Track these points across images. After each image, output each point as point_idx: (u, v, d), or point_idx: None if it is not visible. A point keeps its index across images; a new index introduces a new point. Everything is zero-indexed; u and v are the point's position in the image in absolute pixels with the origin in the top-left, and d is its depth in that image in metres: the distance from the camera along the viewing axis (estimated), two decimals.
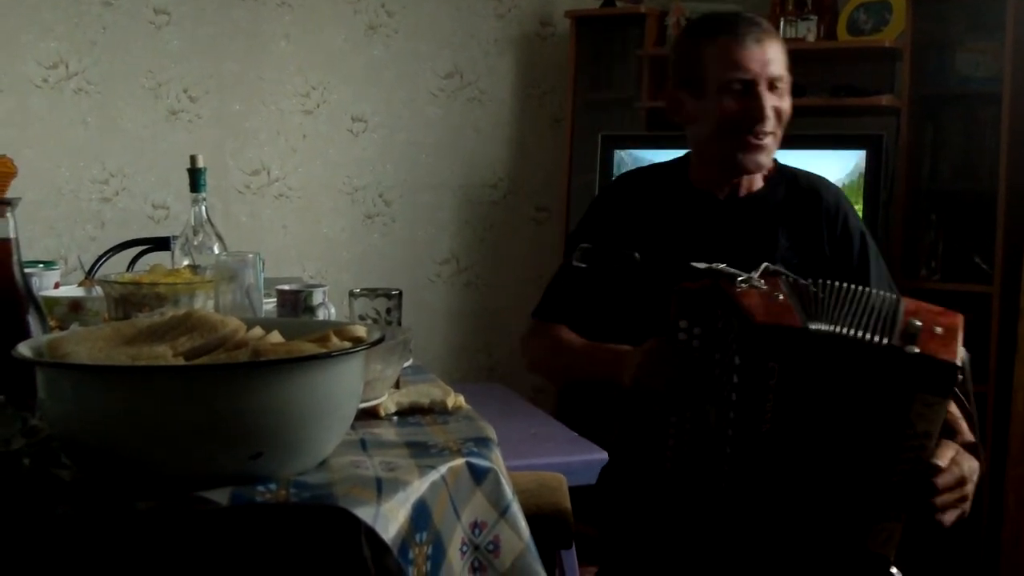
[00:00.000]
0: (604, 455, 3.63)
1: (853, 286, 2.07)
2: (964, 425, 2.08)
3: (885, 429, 1.93)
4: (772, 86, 2.39)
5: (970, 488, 2.00)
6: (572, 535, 2.89)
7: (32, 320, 1.81)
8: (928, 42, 4.43)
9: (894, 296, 2.07)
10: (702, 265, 2.11)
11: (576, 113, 5.24)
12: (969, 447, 2.04)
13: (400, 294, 2.40)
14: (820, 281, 2.08)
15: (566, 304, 2.58)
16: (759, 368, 1.96)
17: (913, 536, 2.02)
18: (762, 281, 2.05)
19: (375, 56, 5.31)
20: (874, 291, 2.07)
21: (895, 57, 4.50)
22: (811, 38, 4.57)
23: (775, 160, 2.56)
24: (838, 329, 1.95)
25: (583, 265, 2.34)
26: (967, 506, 2.01)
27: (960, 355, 1.93)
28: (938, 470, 1.93)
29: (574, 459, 3.67)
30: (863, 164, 4.26)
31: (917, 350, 1.90)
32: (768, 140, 2.41)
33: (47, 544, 1.43)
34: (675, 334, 2.06)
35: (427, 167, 5.41)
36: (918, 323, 1.93)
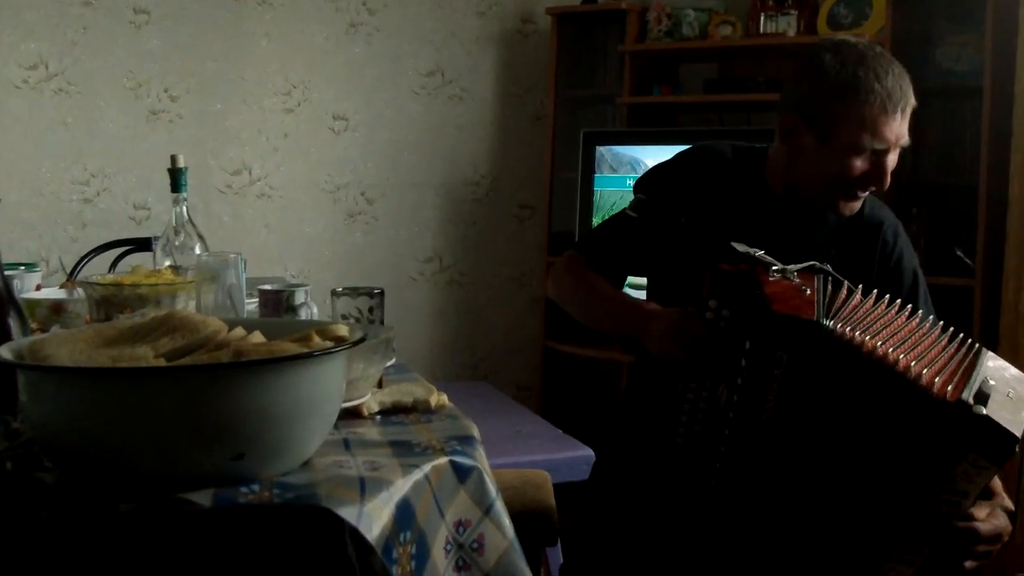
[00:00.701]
0: (589, 452, 3.64)
1: (913, 310, 2.08)
2: (1000, 487, 2.07)
3: (922, 473, 1.90)
4: (896, 148, 2.33)
5: (999, 546, 2.00)
6: (557, 532, 2.88)
7: (13, 322, 1.80)
8: (908, 36, 4.43)
9: (976, 345, 2.04)
10: (741, 248, 2.10)
11: (558, 110, 5.25)
12: (1008, 512, 2.04)
13: (382, 293, 2.39)
14: (866, 292, 2.06)
15: (609, 249, 2.54)
16: (767, 355, 1.95)
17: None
18: (796, 275, 2.04)
19: (356, 54, 5.31)
20: (941, 326, 2.06)
21: None
22: (791, 33, 4.58)
23: None
24: (855, 335, 1.93)
25: (635, 215, 2.32)
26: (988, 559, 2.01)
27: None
28: (978, 519, 1.93)
29: (558, 456, 3.67)
30: None
31: (984, 411, 1.85)
32: (870, 191, 2.38)
33: (31, 548, 1.42)
34: (703, 311, 2.04)
35: (409, 165, 5.41)
36: (992, 382, 1.91)
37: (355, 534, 1.45)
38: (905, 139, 2.31)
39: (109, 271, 3.72)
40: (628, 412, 2.57)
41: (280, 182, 5.25)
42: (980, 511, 1.95)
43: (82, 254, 4.10)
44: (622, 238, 2.52)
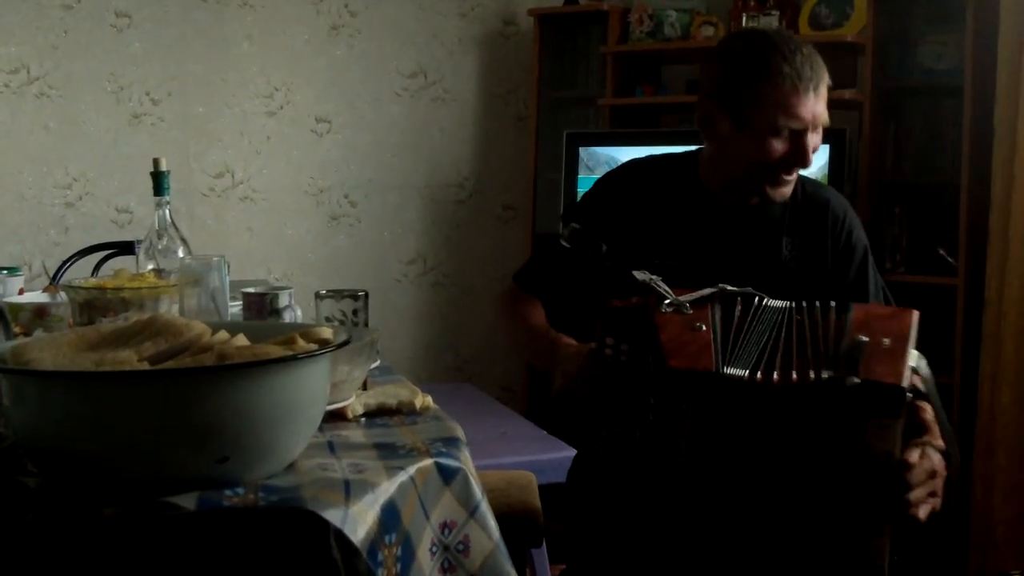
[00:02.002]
0: (573, 453, 3.64)
1: (767, 302, 2.07)
2: (936, 429, 2.08)
3: (844, 456, 1.92)
4: (814, 128, 2.35)
5: (940, 482, 2.00)
6: (542, 533, 2.88)
7: None
8: (889, 36, 4.45)
9: (835, 305, 2.04)
10: (641, 276, 2.11)
11: (541, 111, 5.25)
12: (940, 452, 2.04)
13: (366, 295, 2.39)
14: (758, 300, 2.07)
15: (544, 278, 2.58)
16: (673, 409, 1.97)
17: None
18: (689, 307, 2.04)
19: (338, 56, 5.30)
20: (776, 305, 2.06)
21: (857, 51, 4.52)
22: None
23: None
24: (745, 372, 1.95)
25: (567, 245, 2.33)
26: (939, 501, 2.01)
27: (910, 365, 1.93)
28: (909, 467, 1.93)
29: (543, 457, 3.67)
30: (826, 158, 4.27)
31: (858, 380, 1.89)
32: (795, 173, 2.40)
33: (14, 552, 1.42)
34: (602, 347, 2.05)
35: (392, 167, 5.40)
36: (864, 339, 1.92)
37: (340, 536, 1.45)
38: (824, 118, 2.33)
39: (92, 275, 3.72)
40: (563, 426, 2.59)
41: (263, 185, 5.24)
42: (911, 453, 1.95)
43: (65, 258, 4.09)
44: (554, 267, 2.56)
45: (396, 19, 5.35)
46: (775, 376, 1.94)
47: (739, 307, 2.06)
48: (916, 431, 2.01)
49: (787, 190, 2.41)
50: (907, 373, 1.92)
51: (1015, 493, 4.01)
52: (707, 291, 2.08)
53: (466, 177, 5.50)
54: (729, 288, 2.09)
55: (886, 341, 1.94)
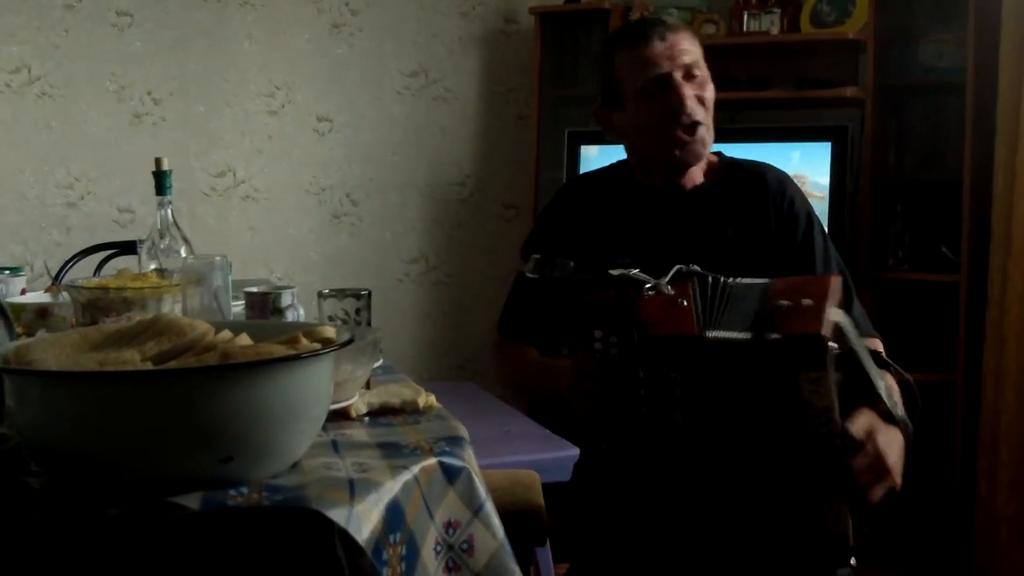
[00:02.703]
0: (577, 452, 3.64)
1: (737, 280, 2.11)
2: (882, 402, 2.08)
3: (786, 414, 1.96)
4: (688, 76, 2.41)
5: (892, 458, 2.01)
6: (546, 532, 2.88)
7: None
8: (891, 33, 4.44)
9: (762, 282, 2.09)
10: (616, 272, 2.13)
11: (542, 110, 5.24)
12: (887, 417, 2.05)
13: (369, 294, 2.39)
14: (724, 279, 2.10)
15: (524, 317, 2.62)
16: (662, 379, 2.02)
17: (884, 524, 2.04)
18: (669, 287, 2.07)
19: (339, 55, 5.30)
20: (745, 282, 2.10)
21: (859, 49, 4.52)
22: (775, 31, 4.58)
23: (720, 153, 2.60)
24: (728, 333, 2.00)
25: (535, 276, 2.35)
26: (895, 478, 2.02)
27: (830, 320, 1.97)
28: (856, 448, 1.96)
29: (547, 456, 3.67)
30: (829, 156, 4.27)
31: (777, 335, 1.95)
32: (700, 131, 2.43)
33: (19, 553, 1.42)
34: (592, 343, 2.08)
35: (394, 166, 5.40)
36: (784, 303, 1.98)
37: (345, 536, 1.45)
38: (685, 60, 2.40)
39: (94, 275, 3.72)
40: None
41: (264, 184, 5.24)
42: (859, 427, 1.98)
43: (67, 258, 4.09)
44: (529, 302, 2.60)
45: (397, 18, 5.35)
46: (744, 338, 1.99)
47: (717, 282, 2.10)
48: (868, 400, 2.04)
49: (698, 148, 2.45)
50: (826, 325, 1.95)
51: (1019, 490, 4.01)
52: (673, 271, 2.12)
53: (467, 176, 5.50)
54: (691, 268, 2.14)
55: (806, 301, 1.98)
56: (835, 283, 2.06)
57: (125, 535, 1.42)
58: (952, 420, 4.18)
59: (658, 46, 2.38)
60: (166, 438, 1.45)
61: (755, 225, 2.49)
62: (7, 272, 2.87)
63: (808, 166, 4.25)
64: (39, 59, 4.86)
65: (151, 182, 2.61)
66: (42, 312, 2.46)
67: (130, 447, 1.46)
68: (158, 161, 2.60)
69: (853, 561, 2.16)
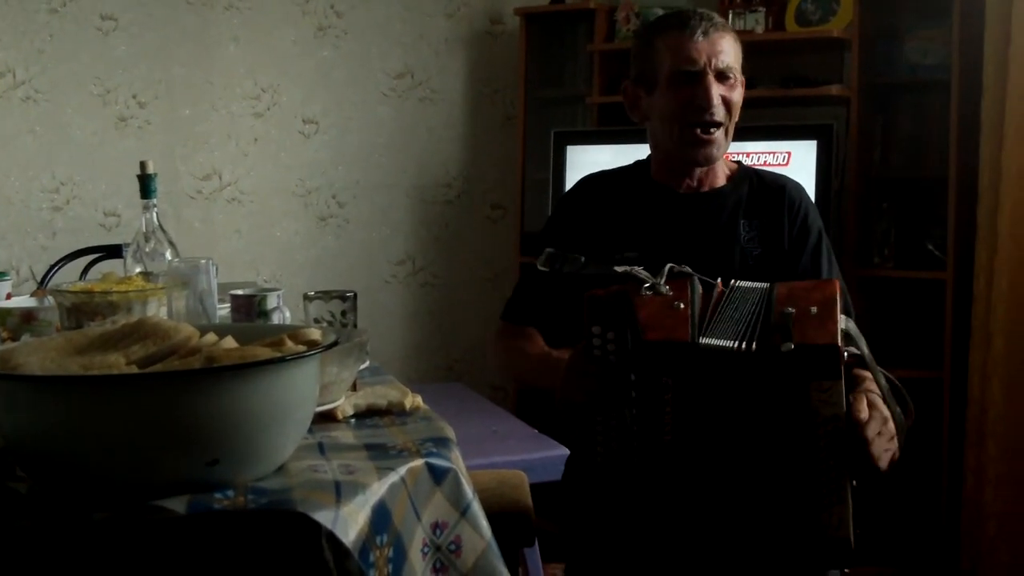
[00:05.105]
0: (564, 451, 3.63)
1: (738, 284, 2.12)
2: (873, 385, 2.11)
3: (795, 424, 1.97)
4: (721, 77, 2.45)
5: (891, 426, 2.04)
6: (534, 532, 2.88)
7: None
8: (876, 31, 4.45)
9: (763, 287, 2.10)
10: (621, 268, 2.15)
11: (528, 110, 5.24)
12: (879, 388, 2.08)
13: (355, 296, 2.39)
14: (732, 282, 2.12)
15: (532, 307, 2.61)
16: (654, 383, 2.02)
17: (871, 519, 2.05)
18: (667, 287, 2.08)
19: (325, 57, 5.30)
20: (746, 285, 2.11)
21: (843, 47, 4.53)
22: (759, 30, 4.59)
23: (739, 162, 2.62)
24: (728, 341, 1.99)
25: (545, 269, 2.35)
26: (896, 448, 2.05)
27: (840, 327, 1.98)
28: (862, 424, 1.97)
29: (535, 456, 3.67)
30: (814, 154, 4.28)
31: (792, 345, 1.94)
32: (717, 134, 2.46)
33: (6, 558, 1.41)
34: (590, 339, 2.09)
35: (380, 168, 5.40)
36: (790, 310, 1.97)
37: (331, 538, 1.45)
38: (722, 63, 2.44)
39: (80, 279, 3.71)
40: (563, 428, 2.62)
41: (250, 187, 5.24)
42: (861, 408, 1.99)
43: (52, 262, 4.08)
44: (540, 293, 2.59)
45: (382, 20, 5.35)
46: (743, 346, 1.98)
47: (718, 286, 2.11)
48: (849, 386, 2.05)
49: (712, 151, 2.48)
50: (838, 334, 1.97)
51: (1006, 485, 4.02)
52: (662, 275, 2.12)
53: (454, 177, 5.50)
54: (683, 268, 2.15)
55: (813, 309, 1.99)
56: (838, 288, 2.07)
57: (111, 539, 1.42)
58: (939, 416, 4.18)
59: (700, 40, 2.42)
60: (151, 442, 1.45)
61: (769, 234, 2.52)
62: None
63: (794, 164, 4.25)
64: (24, 63, 4.85)
65: (136, 185, 2.60)
66: (27, 316, 2.45)
67: (115, 451, 1.45)
68: (143, 165, 2.59)
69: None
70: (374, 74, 5.37)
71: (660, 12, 4.80)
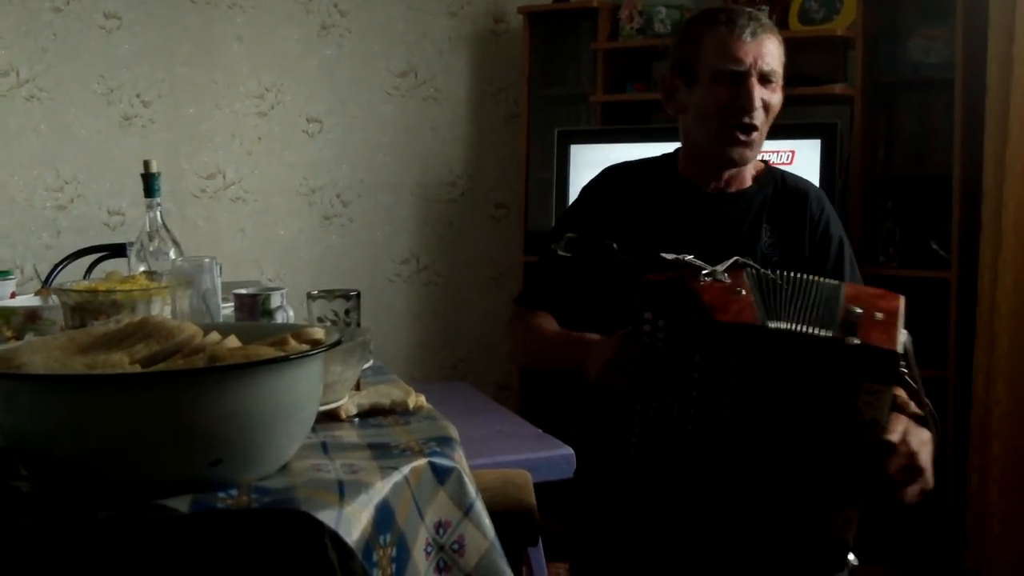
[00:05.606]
0: (569, 451, 3.64)
1: (804, 276, 2.10)
2: (912, 404, 2.10)
3: (834, 418, 1.96)
4: (764, 79, 2.43)
5: (925, 459, 2.02)
6: (538, 532, 2.88)
7: None
8: (879, 30, 4.45)
9: (835, 283, 2.10)
10: (670, 256, 2.12)
11: (532, 109, 5.24)
12: (919, 420, 2.06)
13: (358, 295, 2.39)
14: (784, 273, 2.10)
15: (548, 292, 2.58)
16: (719, 365, 1.99)
17: (877, 519, 2.05)
18: (726, 275, 2.06)
19: (329, 56, 5.30)
20: (819, 280, 2.09)
21: (847, 46, 4.52)
22: None
23: (765, 161, 2.60)
24: (793, 325, 1.98)
25: (567, 254, 2.34)
26: (928, 479, 2.03)
27: (901, 340, 1.97)
28: (891, 450, 1.96)
29: (539, 455, 3.67)
30: (818, 153, 4.27)
31: (857, 341, 1.94)
32: (754, 135, 2.44)
33: (9, 557, 1.41)
34: (640, 326, 2.06)
35: (384, 166, 5.40)
36: (858, 310, 1.97)
37: (335, 537, 1.45)
38: (767, 65, 2.43)
39: (84, 278, 3.71)
40: (595, 422, 2.58)
41: (254, 185, 5.24)
42: (895, 430, 1.99)
43: (56, 261, 4.09)
44: (558, 278, 2.56)
45: (386, 18, 5.35)
46: (812, 330, 1.97)
47: (772, 274, 2.10)
48: (893, 408, 2.04)
49: (747, 152, 2.47)
50: (902, 340, 1.97)
51: (1010, 485, 4.02)
52: (730, 262, 2.11)
53: (458, 176, 5.50)
54: (746, 261, 2.14)
55: (879, 315, 1.99)
56: (903, 302, 2.06)
57: (114, 538, 1.42)
58: (943, 415, 4.18)
59: (748, 41, 2.40)
60: (155, 441, 1.45)
61: (790, 239, 2.51)
62: None
63: (798, 163, 4.25)
64: (27, 62, 4.85)
65: (140, 184, 2.60)
66: (32, 316, 2.45)
67: (119, 450, 1.45)
68: (146, 164, 2.59)
69: (853, 558, 2.15)
70: (378, 73, 5.37)
71: (663, 11, 4.83)
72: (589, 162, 4.67)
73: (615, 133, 4.86)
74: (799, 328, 1.98)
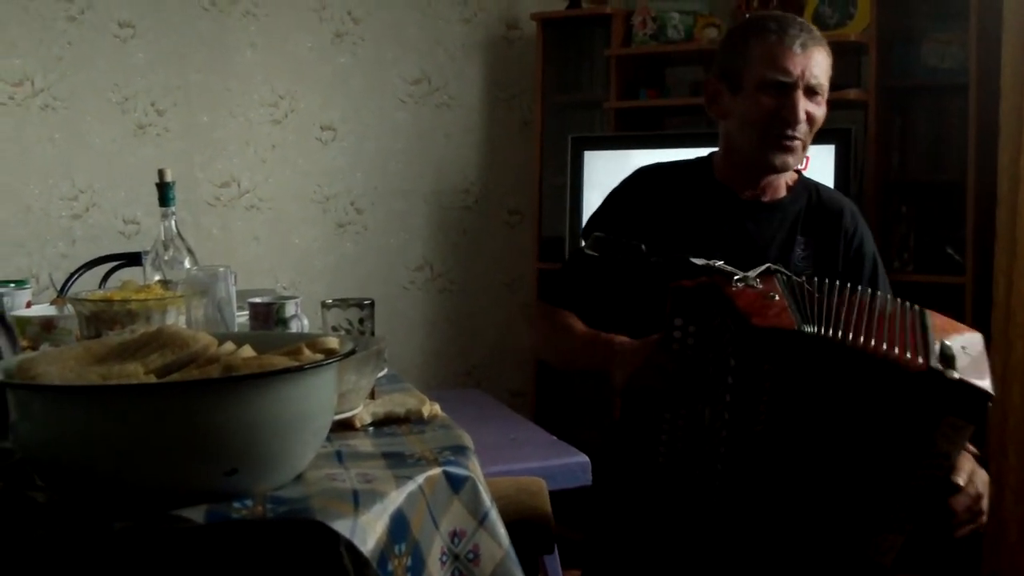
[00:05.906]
0: (584, 458, 3.64)
1: (860, 287, 2.08)
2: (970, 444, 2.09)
3: (905, 445, 1.93)
4: (810, 91, 2.41)
5: (986, 503, 2.03)
6: (554, 540, 2.88)
7: (3, 341, 1.80)
8: (893, 35, 4.44)
9: (916, 307, 2.06)
10: (700, 261, 2.12)
11: (545, 116, 5.23)
12: (977, 459, 2.07)
13: (372, 304, 2.39)
14: (817, 280, 2.08)
15: (574, 290, 2.56)
16: (754, 370, 1.96)
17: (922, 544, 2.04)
18: (758, 281, 2.05)
19: (342, 64, 5.31)
20: (887, 296, 2.08)
21: (861, 51, 4.51)
22: None
23: (799, 171, 2.59)
24: (831, 332, 1.94)
25: (595, 254, 2.33)
26: (983, 519, 2.03)
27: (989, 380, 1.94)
28: (958, 489, 1.96)
29: (554, 463, 3.66)
30: (832, 158, 4.26)
31: (957, 376, 1.89)
32: (797, 143, 2.43)
33: (25, 568, 1.42)
34: (670, 332, 2.05)
35: (398, 174, 5.41)
36: (952, 344, 1.93)
37: (350, 547, 1.45)
38: (815, 79, 2.40)
39: (99, 287, 3.72)
40: (618, 430, 2.57)
41: (269, 193, 5.25)
42: (962, 470, 1.99)
43: (72, 270, 4.10)
44: (585, 277, 2.54)
45: (399, 25, 5.36)
46: (860, 341, 1.93)
47: (805, 282, 2.08)
48: None
49: (790, 159, 2.45)
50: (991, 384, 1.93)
51: None
52: (762, 268, 2.10)
53: (472, 183, 5.50)
54: (779, 268, 2.14)
55: (967, 349, 1.95)
56: (982, 340, 2.03)
57: (130, 549, 1.42)
58: None
59: (797, 52, 2.38)
60: (170, 451, 1.45)
61: (824, 253, 2.49)
62: (12, 285, 2.87)
63: (812, 169, 4.24)
64: (42, 71, 4.87)
65: (155, 193, 2.61)
66: (47, 325, 2.46)
67: (134, 460, 1.46)
68: (161, 172, 2.59)
69: None
70: (391, 80, 5.38)
71: (676, 17, 4.83)
72: (603, 168, 4.68)
73: (628, 139, 4.86)
74: (868, 343, 1.93)
